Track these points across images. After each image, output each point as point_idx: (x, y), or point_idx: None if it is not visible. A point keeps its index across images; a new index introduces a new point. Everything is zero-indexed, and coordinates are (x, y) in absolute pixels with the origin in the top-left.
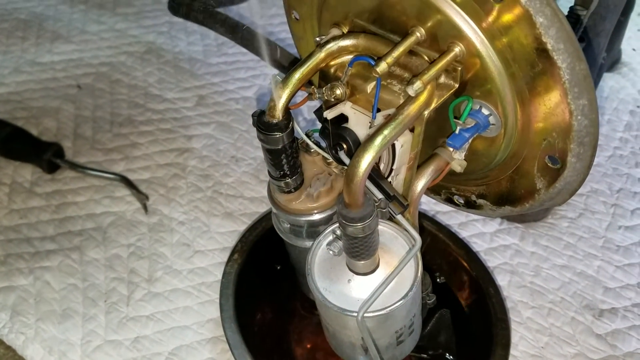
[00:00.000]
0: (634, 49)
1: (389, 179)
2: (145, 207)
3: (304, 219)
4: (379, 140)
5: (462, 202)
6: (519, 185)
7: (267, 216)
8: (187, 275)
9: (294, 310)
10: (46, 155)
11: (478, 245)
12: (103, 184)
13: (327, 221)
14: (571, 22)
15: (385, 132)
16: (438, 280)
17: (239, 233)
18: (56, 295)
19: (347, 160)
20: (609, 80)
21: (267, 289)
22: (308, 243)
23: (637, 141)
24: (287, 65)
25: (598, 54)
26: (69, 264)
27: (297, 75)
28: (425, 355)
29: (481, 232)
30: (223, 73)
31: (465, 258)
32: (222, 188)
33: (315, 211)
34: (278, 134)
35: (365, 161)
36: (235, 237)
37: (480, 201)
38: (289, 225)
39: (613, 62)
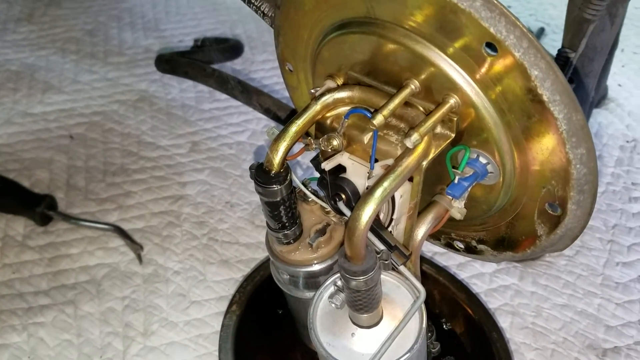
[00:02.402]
0: (619, 85)
1: (390, 229)
2: (139, 258)
3: (303, 269)
4: (379, 193)
5: (463, 247)
6: (520, 232)
7: (264, 264)
8: (184, 327)
9: None
10: (39, 208)
11: (478, 287)
12: (96, 235)
13: (327, 271)
14: (560, 64)
15: (385, 184)
16: (444, 327)
17: (235, 281)
18: (51, 352)
19: (346, 211)
20: (597, 117)
21: (267, 339)
22: (308, 294)
23: (629, 176)
24: (277, 112)
25: (588, 94)
26: (64, 319)
27: (294, 128)
28: None
29: (480, 273)
30: (216, 119)
31: (467, 302)
32: (217, 235)
33: (315, 262)
34: (276, 187)
35: (367, 214)
36: (231, 285)
37: (481, 247)
38: (288, 276)
39: (600, 99)
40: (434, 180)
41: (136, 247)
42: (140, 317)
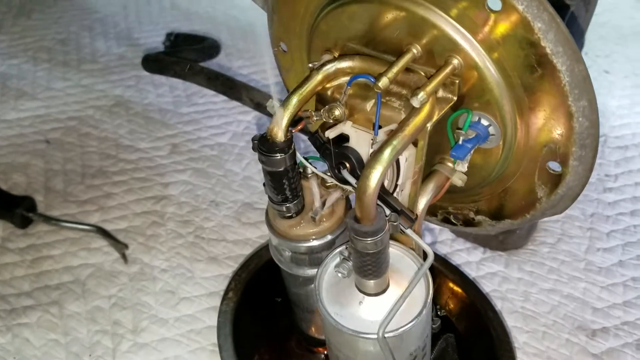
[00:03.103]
0: None
1: (394, 195)
2: (124, 257)
3: (305, 244)
4: (388, 152)
5: (460, 220)
6: (519, 197)
7: (257, 253)
8: (175, 323)
9: (291, 349)
10: (18, 210)
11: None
12: (78, 236)
13: (329, 246)
14: None
15: (395, 142)
16: (439, 312)
17: (225, 277)
18: (37, 352)
19: (351, 179)
20: None
21: (264, 326)
22: (310, 271)
23: (602, 168)
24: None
25: None
26: (49, 319)
27: (296, 97)
28: None
29: (467, 261)
30: (195, 122)
31: (460, 284)
32: (203, 233)
33: (316, 236)
34: (280, 156)
35: (377, 172)
36: (221, 281)
37: (479, 217)
38: (289, 254)
39: None
40: (433, 151)
41: (121, 247)
42: (128, 315)
